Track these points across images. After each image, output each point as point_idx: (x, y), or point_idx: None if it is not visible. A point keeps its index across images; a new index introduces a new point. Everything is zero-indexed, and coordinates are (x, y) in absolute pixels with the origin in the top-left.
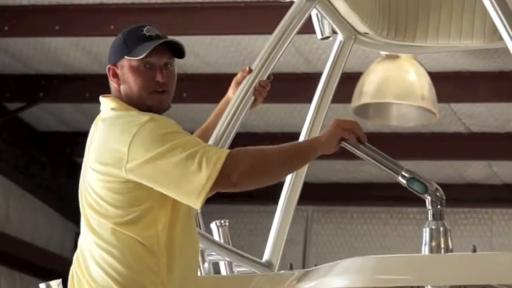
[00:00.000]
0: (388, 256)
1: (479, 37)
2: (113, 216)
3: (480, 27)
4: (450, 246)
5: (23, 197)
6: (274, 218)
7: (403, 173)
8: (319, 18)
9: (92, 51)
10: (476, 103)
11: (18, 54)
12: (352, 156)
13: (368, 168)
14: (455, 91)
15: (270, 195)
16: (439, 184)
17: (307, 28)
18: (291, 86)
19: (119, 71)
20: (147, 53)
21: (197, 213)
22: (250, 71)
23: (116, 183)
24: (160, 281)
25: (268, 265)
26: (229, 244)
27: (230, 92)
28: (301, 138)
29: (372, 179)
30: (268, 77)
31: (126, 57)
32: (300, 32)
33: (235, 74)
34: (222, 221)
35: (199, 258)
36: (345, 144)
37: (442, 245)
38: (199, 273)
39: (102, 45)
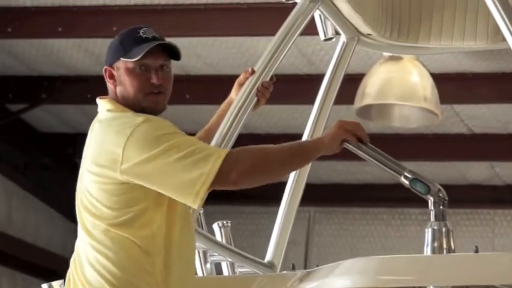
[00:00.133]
0: (390, 257)
1: (482, 38)
2: (108, 217)
3: (483, 28)
4: (452, 247)
5: (25, 197)
6: (276, 219)
7: (406, 173)
8: (322, 19)
9: (95, 53)
10: (478, 104)
11: (21, 56)
12: (354, 157)
13: (370, 169)
14: (458, 92)
15: (272, 196)
16: (441, 185)
17: (310, 29)
18: (294, 88)
19: (115, 73)
20: (142, 54)
21: (200, 213)
22: (253, 72)
23: (111, 184)
24: (154, 282)
25: (270, 266)
26: (231, 245)
27: (233, 93)
28: (304, 139)
29: (374, 180)
30: (271, 78)
31: (122, 58)
32: (302, 34)
33: (238, 76)
34: (225, 222)
35: (202, 258)
36: (348, 145)
37: (445, 246)
38: (201, 274)
39: (104, 46)
